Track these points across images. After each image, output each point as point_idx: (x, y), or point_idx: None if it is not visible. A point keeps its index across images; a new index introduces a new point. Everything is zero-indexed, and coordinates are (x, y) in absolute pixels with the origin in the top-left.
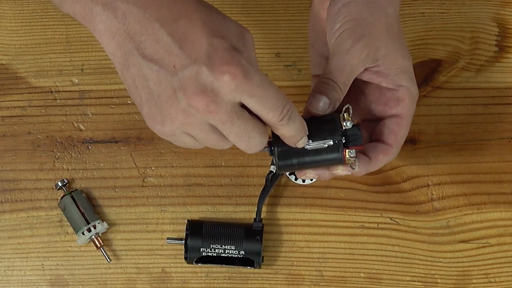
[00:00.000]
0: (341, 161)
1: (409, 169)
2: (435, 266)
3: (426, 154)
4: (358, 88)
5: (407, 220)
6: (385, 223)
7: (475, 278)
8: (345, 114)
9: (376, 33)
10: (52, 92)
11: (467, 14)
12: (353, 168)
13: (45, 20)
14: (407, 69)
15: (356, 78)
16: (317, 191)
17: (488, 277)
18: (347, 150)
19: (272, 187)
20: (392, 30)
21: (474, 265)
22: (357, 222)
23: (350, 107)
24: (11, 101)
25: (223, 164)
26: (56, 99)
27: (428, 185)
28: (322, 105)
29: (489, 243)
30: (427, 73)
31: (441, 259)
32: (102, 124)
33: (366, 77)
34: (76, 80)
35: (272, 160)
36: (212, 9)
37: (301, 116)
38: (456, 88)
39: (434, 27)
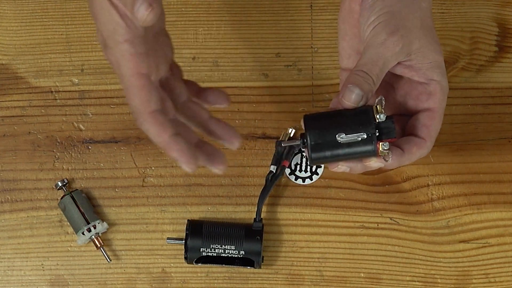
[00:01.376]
0: (375, 154)
1: (409, 169)
2: (435, 266)
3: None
4: (389, 82)
5: (407, 220)
6: (385, 223)
7: (475, 278)
8: (378, 106)
9: (411, 27)
10: (52, 92)
11: (467, 14)
12: (386, 160)
13: (45, 20)
14: (439, 63)
15: (387, 72)
16: (317, 191)
17: (488, 277)
18: (380, 143)
19: (272, 187)
20: (425, 24)
21: (474, 265)
22: (357, 222)
23: (383, 98)
24: (11, 101)
25: None
26: (56, 99)
27: (428, 185)
28: (355, 97)
29: (489, 243)
30: None
31: (441, 259)
32: (102, 124)
33: (398, 71)
34: (76, 80)
35: (272, 160)
36: None
37: (332, 107)
38: (456, 88)
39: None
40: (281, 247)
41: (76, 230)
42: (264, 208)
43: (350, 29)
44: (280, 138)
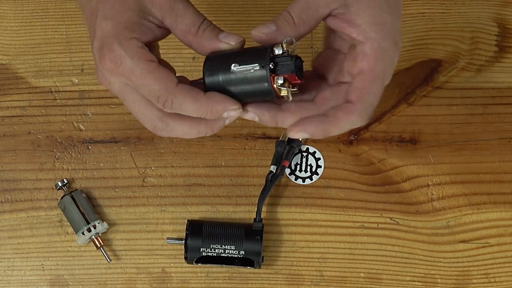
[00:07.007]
0: (271, 90)
1: (409, 169)
2: (435, 266)
3: (426, 154)
4: (338, 47)
5: (407, 220)
6: (385, 223)
7: (475, 278)
8: (283, 44)
9: None
10: (52, 92)
11: (467, 14)
12: (287, 100)
13: (45, 20)
14: (383, 21)
15: (335, 34)
16: (317, 191)
17: (488, 277)
18: (275, 77)
19: (272, 187)
20: None
21: (474, 265)
22: (357, 222)
23: (294, 40)
24: (11, 101)
25: (223, 164)
26: (56, 99)
27: (428, 185)
28: (265, 31)
29: (489, 243)
30: (427, 73)
31: (441, 259)
32: (102, 124)
33: (335, 24)
34: (76, 80)
35: (272, 160)
36: None
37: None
38: (456, 88)
39: (434, 27)
40: (281, 247)
41: (76, 230)
42: (264, 208)
43: None
44: (280, 138)
